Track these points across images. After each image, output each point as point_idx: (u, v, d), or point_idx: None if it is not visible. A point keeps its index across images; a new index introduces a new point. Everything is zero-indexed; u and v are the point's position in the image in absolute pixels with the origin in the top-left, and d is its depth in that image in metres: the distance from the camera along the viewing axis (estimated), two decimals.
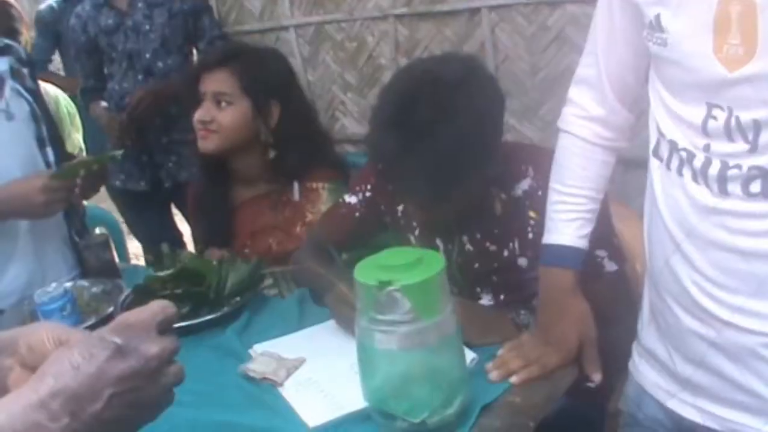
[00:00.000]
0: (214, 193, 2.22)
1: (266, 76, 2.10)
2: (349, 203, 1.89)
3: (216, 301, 1.79)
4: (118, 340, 0.73)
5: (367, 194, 1.87)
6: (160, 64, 3.06)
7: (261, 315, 1.80)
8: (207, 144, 2.09)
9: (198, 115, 2.07)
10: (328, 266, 1.76)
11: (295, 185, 2.14)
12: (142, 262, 3.69)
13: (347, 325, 1.53)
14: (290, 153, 2.10)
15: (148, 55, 3.04)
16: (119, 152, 2.01)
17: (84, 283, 2.00)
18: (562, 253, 1.40)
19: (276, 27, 3.24)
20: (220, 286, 1.80)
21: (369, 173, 1.86)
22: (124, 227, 3.51)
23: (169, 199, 3.36)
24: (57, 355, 0.73)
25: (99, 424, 0.72)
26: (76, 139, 3.67)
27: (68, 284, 1.90)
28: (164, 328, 0.78)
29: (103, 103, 3.21)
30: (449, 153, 1.41)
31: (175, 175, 3.17)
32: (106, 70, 3.17)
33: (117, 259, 2.20)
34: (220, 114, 2.08)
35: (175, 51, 3.09)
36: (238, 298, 1.81)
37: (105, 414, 0.72)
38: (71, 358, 0.72)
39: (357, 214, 1.88)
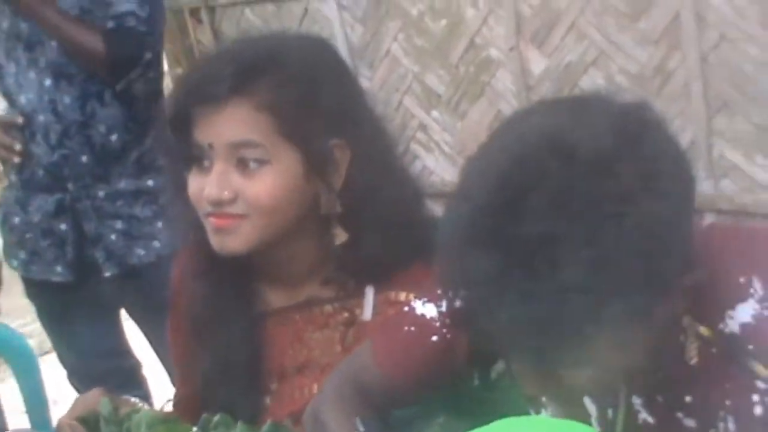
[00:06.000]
0: (227, 301, 1.60)
1: (321, 97, 1.49)
2: (423, 317, 1.39)
3: None
4: None
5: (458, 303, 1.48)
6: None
7: None
8: (231, 242, 1.47)
9: (207, 191, 1.45)
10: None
11: (369, 293, 1.54)
12: None
13: None
14: (371, 233, 1.53)
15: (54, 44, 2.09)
16: None
17: None
18: None
19: None
20: None
21: None
22: (46, 360, 2.56)
23: (117, 301, 2.28)
24: None
25: None
26: None
27: None
28: None
29: None
30: (591, 299, 1.05)
31: (122, 255, 2.12)
32: None
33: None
34: (249, 184, 1.47)
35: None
36: None
37: None
38: None
39: (435, 337, 1.38)
